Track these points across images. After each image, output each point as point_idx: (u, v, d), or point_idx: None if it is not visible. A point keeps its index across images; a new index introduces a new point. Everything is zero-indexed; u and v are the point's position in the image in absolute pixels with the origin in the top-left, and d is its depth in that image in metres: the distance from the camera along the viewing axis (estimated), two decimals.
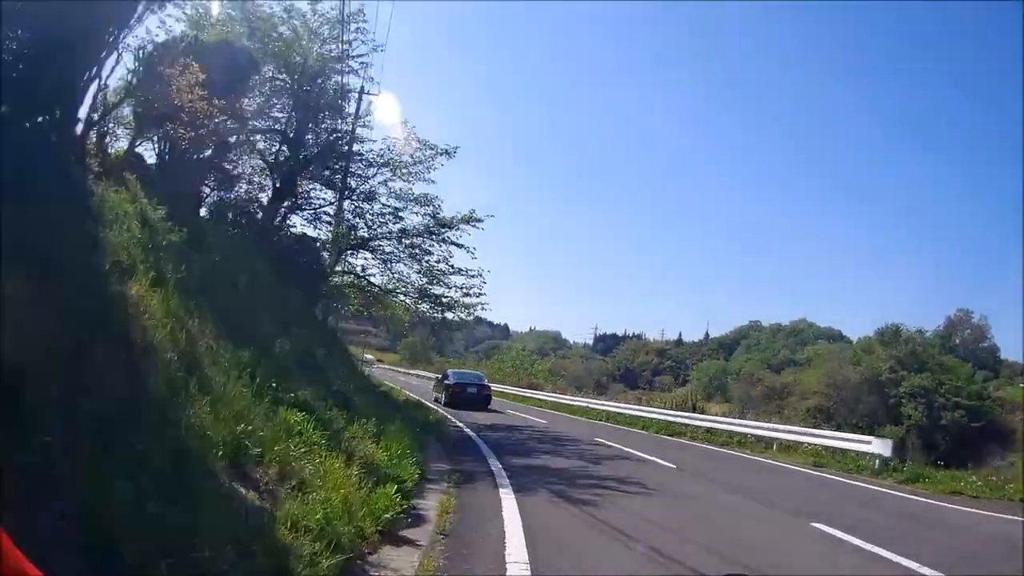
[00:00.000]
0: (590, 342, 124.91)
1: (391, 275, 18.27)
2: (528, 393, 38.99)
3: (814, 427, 22.84)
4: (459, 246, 18.01)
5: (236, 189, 15.16)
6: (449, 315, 18.78)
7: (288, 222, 17.41)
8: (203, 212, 13.98)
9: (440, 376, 31.54)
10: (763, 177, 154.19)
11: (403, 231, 17.67)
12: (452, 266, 17.85)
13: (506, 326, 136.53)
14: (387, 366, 79.75)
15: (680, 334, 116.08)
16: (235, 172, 15.08)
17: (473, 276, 18.20)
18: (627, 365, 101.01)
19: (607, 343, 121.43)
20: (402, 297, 18.61)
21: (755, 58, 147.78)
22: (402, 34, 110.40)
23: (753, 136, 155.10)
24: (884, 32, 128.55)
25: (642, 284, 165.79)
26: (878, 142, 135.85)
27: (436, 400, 26.58)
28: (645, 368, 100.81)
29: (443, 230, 17.43)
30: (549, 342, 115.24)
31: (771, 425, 20.13)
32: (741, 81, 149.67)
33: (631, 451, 14.24)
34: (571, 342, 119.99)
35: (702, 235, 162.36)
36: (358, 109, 17.63)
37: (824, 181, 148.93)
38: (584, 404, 30.14)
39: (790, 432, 18.40)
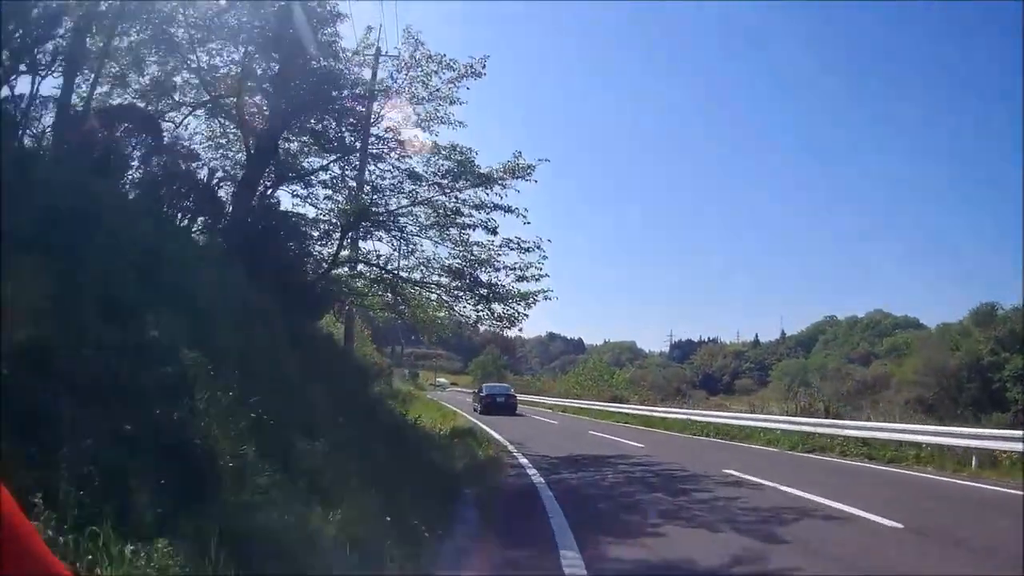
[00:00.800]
0: (666, 350, 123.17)
1: (415, 259, 12.96)
2: (613, 407, 32.30)
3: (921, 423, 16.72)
4: (506, 210, 12.09)
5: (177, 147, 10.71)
6: (499, 307, 12.94)
7: (273, 199, 12.67)
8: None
9: (476, 390, 37.66)
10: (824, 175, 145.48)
11: (425, 197, 12.51)
12: (495, 233, 12.31)
13: (580, 340, 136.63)
14: (460, 388, 75.71)
15: (756, 335, 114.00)
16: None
17: (528, 250, 12.40)
18: (705, 370, 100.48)
19: (683, 350, 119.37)
20: (434, 289, 13.24)
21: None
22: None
23: (816, 133, 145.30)
24: None
25: (714, 288, 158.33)
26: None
27: (475, 409, 31.30)
28: (724, 372, 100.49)
29: (478, 190, 12.14)
30: (625, 353, 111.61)
31: (971, 430, 13.76)
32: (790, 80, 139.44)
33: (796, 492, 8.64)
34: (646, 351, 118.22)
35: (769, 234, 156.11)
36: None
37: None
38: (683, 416, 23.72)
39: (1001, 439, 12.20)
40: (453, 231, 12.60)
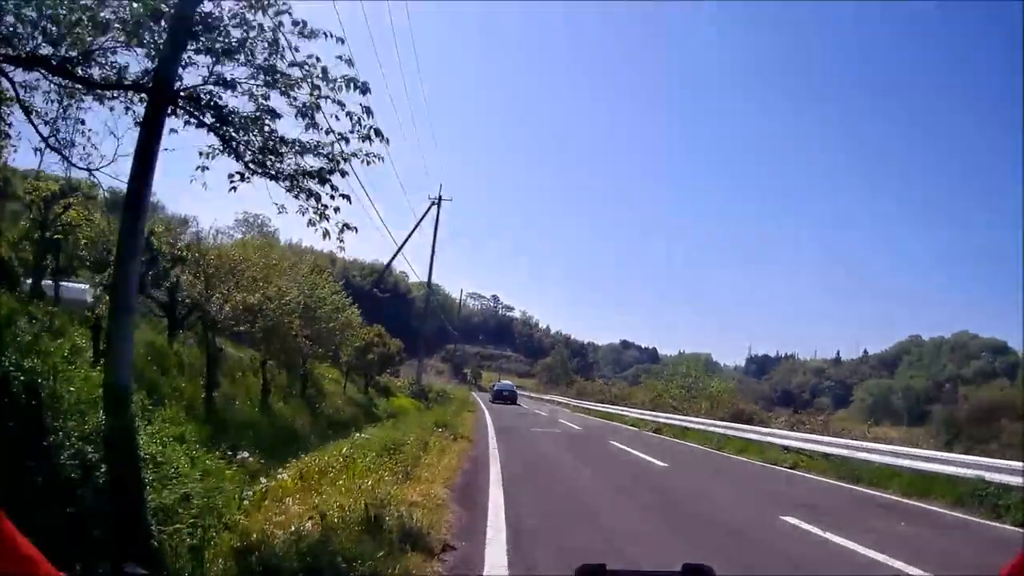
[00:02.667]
0: (741, 364, 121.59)
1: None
2: (735, 430, 20.55)
3: None
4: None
5: None
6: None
7: None
8: None
9: (492, 385, 55.90)
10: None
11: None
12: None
13: (654, 349, 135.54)
14: (525, 393, 73.48)
15: (838, 352, 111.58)
16: None
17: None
18: (784, 386, 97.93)
19: (759, 364, 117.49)
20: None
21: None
22: None
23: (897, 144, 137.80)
24: None
25: (793, 302, 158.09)
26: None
27: (491, 400, 42.99)
28: (803, 389, 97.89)
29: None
30: (700, 365, 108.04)
31: None
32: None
33: None
34: (722, 364, 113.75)
35: (848, 250, 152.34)
36: None
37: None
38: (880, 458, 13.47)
39: None
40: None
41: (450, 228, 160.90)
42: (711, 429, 21.90)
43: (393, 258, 46.84)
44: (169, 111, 5.33)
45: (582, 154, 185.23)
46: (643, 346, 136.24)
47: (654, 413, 28.72)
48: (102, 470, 4.48)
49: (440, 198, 43.46)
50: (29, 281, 12.82)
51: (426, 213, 42.66)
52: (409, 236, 45.26)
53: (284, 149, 5.79)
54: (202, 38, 5.29)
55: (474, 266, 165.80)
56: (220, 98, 5.52)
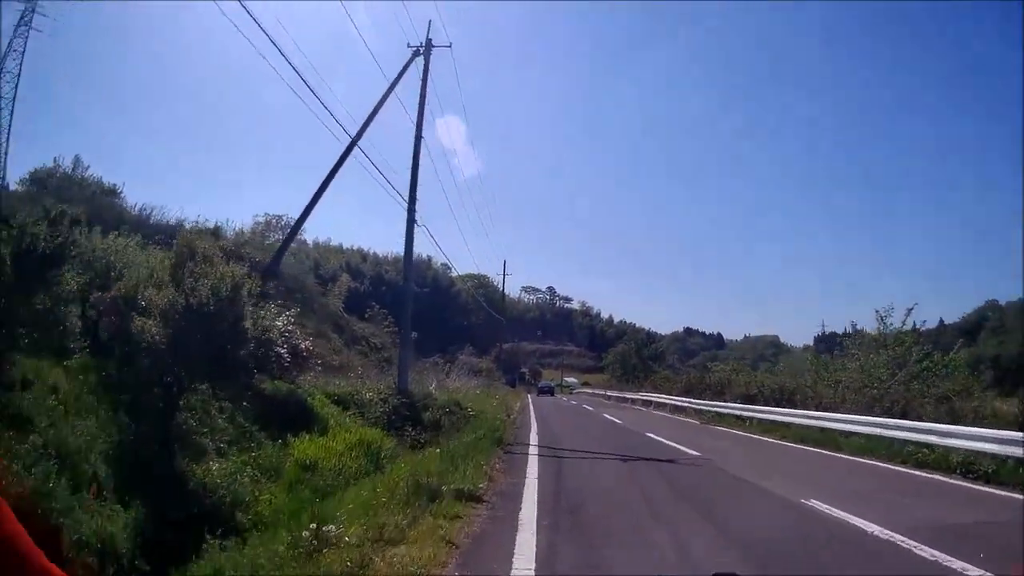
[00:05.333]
0: (810, 343, 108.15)
1: None
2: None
3: None
4: None
5: None
6: None
7: None
8: None
9: (537, 383, 67.59)
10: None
11: None
12: None
13: (719, 335, 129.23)
14: (591, 390, 64.70)
15: (914, 323, 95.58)
16: None
17: None
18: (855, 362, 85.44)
19: (827, 343, 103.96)
20: None
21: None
22: None
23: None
24: None
25: (854, 274, 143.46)
26: None
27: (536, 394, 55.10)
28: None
29: None
30: (767, 347, 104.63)
31: None
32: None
33: None
34: (789, 345, 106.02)
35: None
36: None
37: None
38: None
39: None
40: None
41: (497, 215, 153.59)
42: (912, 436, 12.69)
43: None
44: None
45: (637, 135, 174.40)
46: (707, 332, 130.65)
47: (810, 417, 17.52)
48: None
49: (429, 44, 22.83)
50: None
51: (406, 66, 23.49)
52: (382, 101, 24.96)
53: None
54: None
55: (527, 259, 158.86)
56: None
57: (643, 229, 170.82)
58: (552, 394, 57.14)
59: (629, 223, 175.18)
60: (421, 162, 22.09)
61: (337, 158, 26.20)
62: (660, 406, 34.20)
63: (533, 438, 16.25)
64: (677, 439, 16.51)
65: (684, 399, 30.90)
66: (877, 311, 21.63)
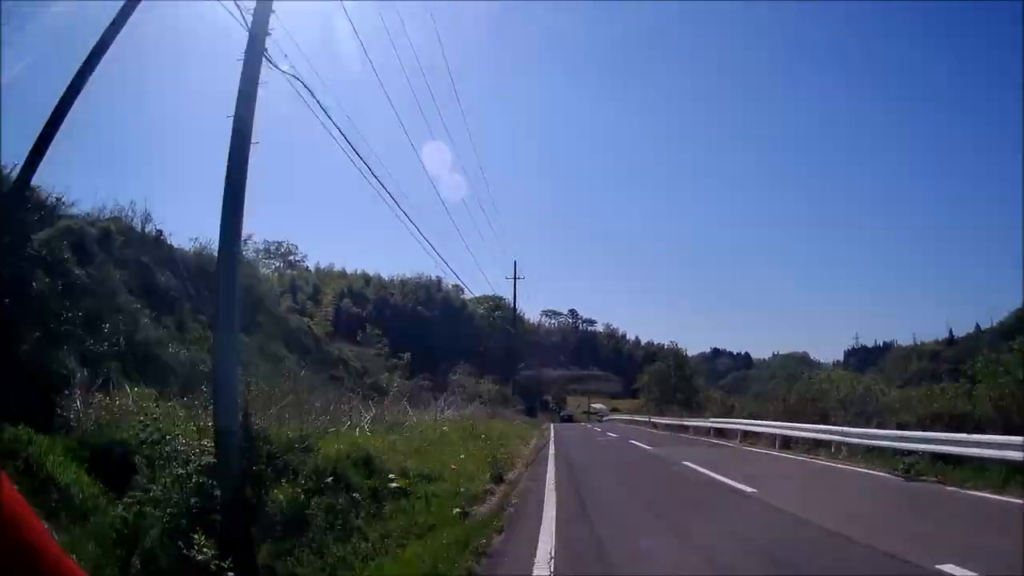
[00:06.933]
0: (840, 359, 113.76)
1: None
2: None
3: None
4: None
5: None
6: None
7: None
8: None
9: (561, 412, 70.29)
10: None
11: None
12: None
13: (747, 355, 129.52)
14: (627, 416, 57.22)
15: (951, 331, 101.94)
16: None
17: None
18: (903, 376, 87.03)
19: (858, 357, 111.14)
20: None
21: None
22: None
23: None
24: None
25: (885, 287, 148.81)
26: None
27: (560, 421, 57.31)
28: (922, 377, 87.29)
29: None
30: (796, 364, 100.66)
31: None
32: None
33: None
34: (819, 361, 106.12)
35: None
36: None
37: None
38: None
39: None
40: None
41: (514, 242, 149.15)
42: None
43: None
44: None
45: (657, 156, 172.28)
46: (735, 352, 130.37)
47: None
48: None
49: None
50: None
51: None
52: None
53: None
54: None
55: (548, 283, 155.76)
56: None
57: (665, 251, 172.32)
58: (572, 421, 60.13)
59: (653, 245, 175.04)
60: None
61: None
62: (746, 436, 23.88)
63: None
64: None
65: (813, 427, 19.38)
66: None
